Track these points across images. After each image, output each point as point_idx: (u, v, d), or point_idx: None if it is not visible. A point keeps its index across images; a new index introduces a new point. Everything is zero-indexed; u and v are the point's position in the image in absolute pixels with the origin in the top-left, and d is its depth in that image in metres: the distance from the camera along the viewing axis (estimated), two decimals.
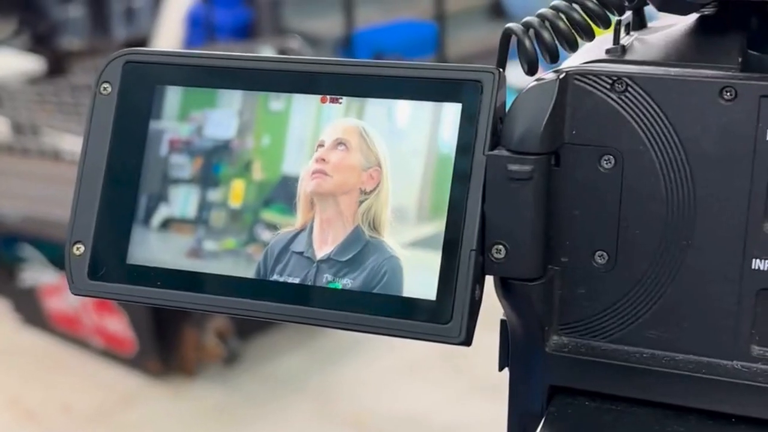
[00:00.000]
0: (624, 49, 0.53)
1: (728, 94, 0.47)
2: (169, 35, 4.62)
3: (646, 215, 0.50)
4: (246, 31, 4.58)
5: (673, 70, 0.49)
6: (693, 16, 0.54)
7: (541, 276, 0.50)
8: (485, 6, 5.49)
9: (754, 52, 0.50)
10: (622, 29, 0.53)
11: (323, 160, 0.52)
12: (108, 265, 0.55)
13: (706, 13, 0.52)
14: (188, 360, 2.68)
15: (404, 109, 0.52)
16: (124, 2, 5.08)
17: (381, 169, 0.52)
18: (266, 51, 3.56)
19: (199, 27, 4.45)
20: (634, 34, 0.56)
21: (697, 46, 0.52)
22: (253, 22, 4.69)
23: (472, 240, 0.49)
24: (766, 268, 0.48)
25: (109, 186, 0.55)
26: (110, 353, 2.75)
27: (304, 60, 0.54)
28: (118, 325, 2.69)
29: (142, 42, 4.76)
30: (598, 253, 0.51)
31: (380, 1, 5.22)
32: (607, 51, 0.53)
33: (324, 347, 2.80)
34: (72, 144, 3.09)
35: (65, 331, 2.86)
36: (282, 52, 3.57)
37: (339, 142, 0.52)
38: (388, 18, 5.12)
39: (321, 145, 0.53)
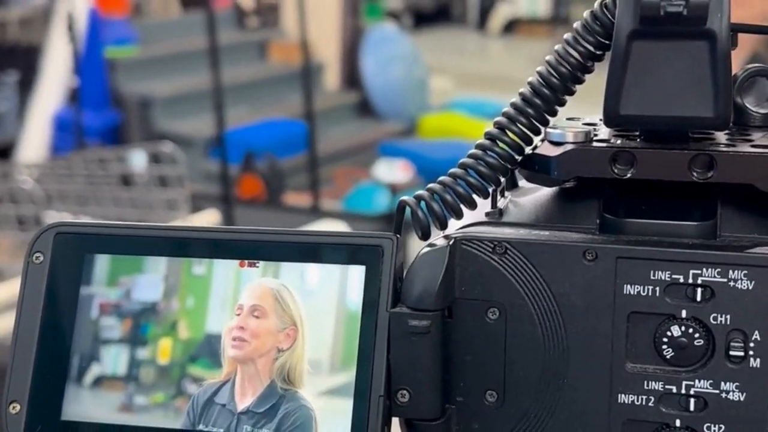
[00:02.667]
0: (501, 212, 0.61)
1: (590, 255, 0.57)
2: (35, 140, 4.58)
3: (527, 359, 0.58)
4: (115, 134, 4.59)
5: (543, 234, 0.58)
6: None
7: (441, 415, 0.58)
8: (353, 104, 5.67)
9: (609, 216, 0.59)
10: (498, 194, 0.62)
11: (242, 327, 0.58)
12: (43, 423, 0.59)
13: (566, 186, 0.61)
14: None
15: (315, 271, 0.59)
16: None
17: (297, 328, 0.58)
18: (139, 156, 3.58)
19: (67, 131, 4.43)
20: (509, 195, 0.64)
21: (561, 210, 0.61)
22: (122, 124, 4.70)
23: (380, 387, 0.56)
24: (629, 402, 0.57)
25: (43, 348, 0.59)
26: None
27: (223, 229, 0.61)
28: None
29: (9, 146, 4.69)
30: (489, 392, 0.58)
31: (249, 101, 5.32)
32: (487, 214, 0.61)
33: None
34: None
35: None
36: (155, 157, 3.60)
37: (255, 309, 0.58)
38: (257, 117, 5.22)
39: (240, 309, 0.59)
